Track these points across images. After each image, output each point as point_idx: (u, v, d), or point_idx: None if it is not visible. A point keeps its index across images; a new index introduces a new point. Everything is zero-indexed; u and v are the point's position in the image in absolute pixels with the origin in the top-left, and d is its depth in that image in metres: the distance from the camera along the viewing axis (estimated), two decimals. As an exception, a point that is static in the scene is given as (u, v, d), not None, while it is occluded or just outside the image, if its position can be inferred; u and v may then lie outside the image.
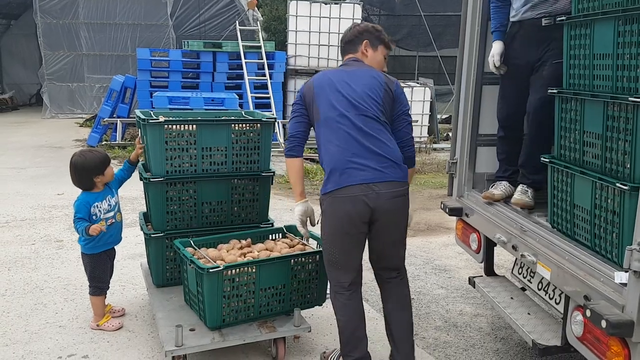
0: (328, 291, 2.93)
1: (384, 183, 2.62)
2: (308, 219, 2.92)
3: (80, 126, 11.78)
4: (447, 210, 3.53)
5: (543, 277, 2.84)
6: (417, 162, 3.64)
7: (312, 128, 2.84)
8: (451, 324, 3.55)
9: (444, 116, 12.55)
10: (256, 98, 9.73)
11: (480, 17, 3.39)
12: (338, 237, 2.67)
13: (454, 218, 3.65)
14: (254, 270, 2.93)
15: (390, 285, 2.84)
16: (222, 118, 3.54)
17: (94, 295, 3.33)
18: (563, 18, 2.64)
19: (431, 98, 10.35)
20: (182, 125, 3.24)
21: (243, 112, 3.83)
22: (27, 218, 5.57)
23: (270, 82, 9.77)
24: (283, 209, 6.19)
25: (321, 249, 2.91)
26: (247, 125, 3.39)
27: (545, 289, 2.86)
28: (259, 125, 3.42)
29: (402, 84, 10.94)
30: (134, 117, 10.25)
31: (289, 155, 2.84)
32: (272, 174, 3.51)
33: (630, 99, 2.12)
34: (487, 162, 3.60)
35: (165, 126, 3.19)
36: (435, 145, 10.18)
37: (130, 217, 5.32)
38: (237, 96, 9.10)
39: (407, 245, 2.88)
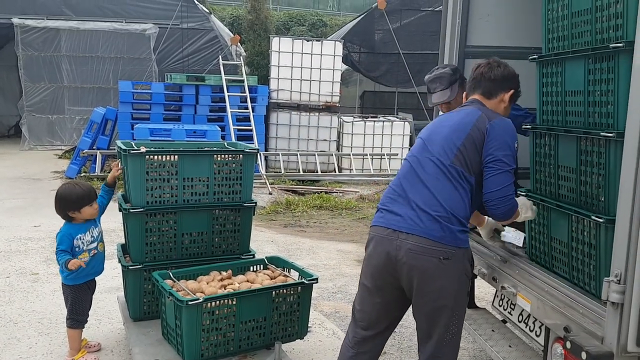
0: (310, 324, 2.87)
1: (412, 235, 2.27)
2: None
3: (59, 158, 11.66)
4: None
5: (523, 309, 2.86)
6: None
7: None
8: (433, 358, 3.52)
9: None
10: (239, 130, 9.77)
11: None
12: (362, 276, 2.49)
13: None
14: (234, 302, 2.89)
15: None
16: (205, 149, 3.56)
17: (72, 327, 3.25)
18: (535, 57, 2.73)
19: (411, 132, 10.51)
20: (164, 156, 3.24)
21: (225, 144, 3.86)
22: (2, 250, 5.45)
23: (253, 115, 9.83)
24: (264, 240, 6.16)
25: (303, 280, 2.89)
26: (230, 155, 3.41)
27: (526, 321, 2.87)
28: (241, 156, 3.43)
29: (382, 118, 11.18)
30: (114, 149, 10.16)
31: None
32: (254, 204, 3.51)
33: (601, 134, 2.19)
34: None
35: (147, 157, 3.19)
36: (415, 179, 10.29)
37: (108, 249, 5.19)
38: (219, 128, 9.13)
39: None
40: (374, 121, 10.49)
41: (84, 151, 9.47)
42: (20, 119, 13.17)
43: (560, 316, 2.34)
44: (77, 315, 3.23)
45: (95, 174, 9.19)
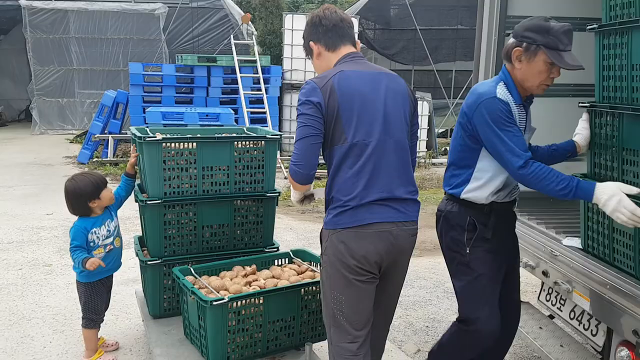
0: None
1: (409, 222, 2.25)
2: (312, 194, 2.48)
3: (71, 142, 11.50)
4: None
5: (576, 305, 2.62)
6: (417, 178, 3.43)
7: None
8: (471, 355, 3.30)
9: (440, 130, 12.39)
10: (252, 113, 9.51)
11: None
12: (350, 283, 2.19)
13: None
14: (261, 301, 2.68)
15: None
16: (224, 135, 3.31)
17: (87, 328, 3.05)
18: (594, 26, 2.44)
19: (429, 112, 10.20)
20: (182, 144, 3.01)
21: (245, 129, 3.61)
22: (14, 240, 5.29)
23: (266, 97, 9.56)
24: (283, 228, 5.95)
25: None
26: (251, 142, 3.17)
27: (579, 318, 2.63)
28: (263, 142, 3.19)
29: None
30: (126, 133, 9.99)
31: (304, 183, 2.29)
32: (277, 194, 3.28)
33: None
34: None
35: (164, 144, 2.95)
36: (434, 160, 10.00)
37: (124, 237, 5.04)
38: (232, 111, 8.88)
39: (415, 266, 2.62)
40: (391, 101, 10.16)
41: (96, 136, 9.29)
42: (31, 103, 13.00)
43: (628, 317, 2.10)
44: (92, 314, 3.04)
45: (108, 159, 9.02)
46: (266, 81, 9.84)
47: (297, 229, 6.02)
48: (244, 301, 2.63)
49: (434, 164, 9.91)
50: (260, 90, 9.66)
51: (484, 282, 2.40)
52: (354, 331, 2.24)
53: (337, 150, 2.20)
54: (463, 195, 2.41)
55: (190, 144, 3.02)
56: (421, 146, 10.09)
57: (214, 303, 2.52)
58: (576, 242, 2.61)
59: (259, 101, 9.74)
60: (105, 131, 9.40)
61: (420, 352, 3.31)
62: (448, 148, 10.72)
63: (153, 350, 2.84)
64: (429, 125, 10.22)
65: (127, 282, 4.21)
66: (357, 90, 2.19)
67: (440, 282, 4.50)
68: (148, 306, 3.21)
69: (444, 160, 10.06)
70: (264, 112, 9.47)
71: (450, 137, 12.16)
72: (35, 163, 9.30)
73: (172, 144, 2.98)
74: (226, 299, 2.55)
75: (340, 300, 2.21)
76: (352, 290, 2.20)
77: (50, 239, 5.35)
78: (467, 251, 2.39)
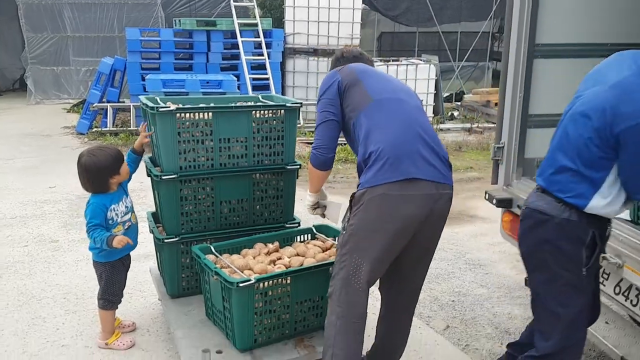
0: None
1: (445, 184, 2.22)
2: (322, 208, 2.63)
3: (68, 112, 11.20)
4: (494, 202, 3.14)
5: (622, 280, 2.48)
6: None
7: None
8: (502, 331, 3.19)
9: (445, 94, 12.12)
10: (253, 79, 9.22)
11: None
12: (381, 245, 2.16)
13: (478, 205, 3.28)
14: (288, 281, 2.53)
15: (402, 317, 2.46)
16: (239, 104, 3.11)
17: (105, 309, 2.91)
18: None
19: (436, 75, 9.91)
20: (197, 114, 2.80)
21: (260, 97, 3.40)
22: (17, 215, 5.11)
23: (269, 62, 9.25)
24: (297, 201, 5.77)
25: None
26: (270, 112, 2.96)
27: (626, 293, 2.49)
28: (282, 111, 2.99)
29: (405, 61, 10.54)
30: (124, 102, 9.73)
31: (323, 168, 2.42)
32: (297, 166, 3.10)
33: None
34: (538, 146, 3.21)
35: (178, 115, 2.76)
36: (441, 126, 9.78)
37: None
38: (234, 77, 8.61)
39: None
40: (397, 64, 9.86)
41: (94, 105, 9.01)
42: (25, 72, 12.64)
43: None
44: (111, 295, 2.89)
45: (107, 128, 8.77)
46: (268, 45, 9.50)
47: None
48: (271, 282, 2.48)
49: (441, 130, 9.69)
50: (262, 55, 9.35)
51: (586, 309, 2.15)
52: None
53: (363, 114, 2.25)
54: (592, 209, 2.00)
55: (205, 114, 2.82)
56: (428, 111, 9.86)
57: (241, 285, 2.37)
58: (625, 214, 2.46)
59: (261, 67, 9.43)
60: (104, 100, 9.12)
61: (450, 329, 3.19)
62: (454, 113, 10.41)
63: (174, 333, 2.71)
64: (435, 90, 9.95)
65: (139, 258, 4.05)
66: (374, 69, 2.46)
67: (460, 253, 4.37)
68: (166, 286, 3.06)
69: (451, 125, 9.87)
70: (267, 79, 9.16)
71: (455, 101, 11.98)
72: (33, 134, 9.04)
73: (187, 115, 2.79)
74: (253, 280, 2.40)
75: (360, 264, 2.17)
76: (379, 254, 2.16)
77: (54, 213, 5.18)
78: (584, 272, 2.04)
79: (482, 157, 7.72)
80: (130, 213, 2.88)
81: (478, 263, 4.18)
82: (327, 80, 2.37)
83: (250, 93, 8.48)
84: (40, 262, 4.08)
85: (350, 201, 2.24)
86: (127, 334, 3.05)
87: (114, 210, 2.77)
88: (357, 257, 2.17)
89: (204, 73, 9.33)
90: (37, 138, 8.72)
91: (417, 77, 9.71)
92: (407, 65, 9.80)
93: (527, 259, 2.21)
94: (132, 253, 3.01)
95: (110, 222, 2.76)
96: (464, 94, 11.78)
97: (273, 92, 8.87)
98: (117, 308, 2.96)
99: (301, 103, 3.16)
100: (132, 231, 2.89)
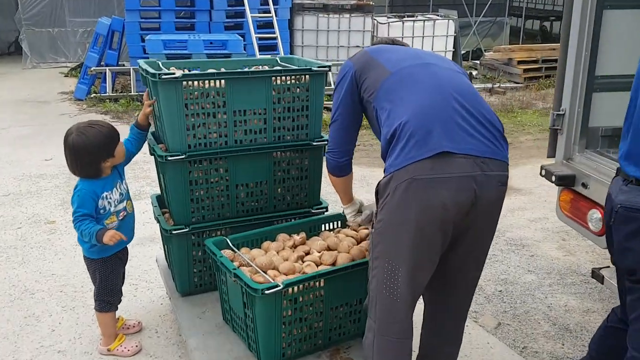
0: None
1: (495, 161, 1.73)
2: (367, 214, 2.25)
3: (65, 76, 10.66)
4: (553, 179, 2.71)
5: None
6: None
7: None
8: (562, 328, 2.79)
9: (462, 52, 11.49)
10: (260, 39, 8.64)
11: None
12: (415, 243, 1.71)
13: (510, 173, 2.81)
14: (322, 284, 2.11)
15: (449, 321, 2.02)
16: (254, 69, 2.63)
17: (103, 311, 2.52)
18: None
19: (455, 32, 9.30)
20: (207, 82, 2.33)
21: (278, 59, 2.91)
22: (10, 192, 4.70)
23: (276, 20, 8.65)
24: (324, 182, 5.33)
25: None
26: (293, 78, 2.49)
27: None
28: (307, 77, 2.52)
29: (421, 17, 9.89)
30: (124, 65, 9.18)
31: (339, 174, 2.12)
32: (325, 142, 2.64)
33: None
34: (605, 113, 2.75)
35: (184, 83, 2.29)
36: (460, 86, 9.24)
37: (132, 186, 4.46)
38: (240, 37, 8.04)
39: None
40: (413, 21, 9.24)
41: (92, 68, 8.50)
42: (19, 34, 12.04)
43: None
44: (108, 296, 2.49)
45: (107, 94, 8.27)
46: (275, 2, 8.89)
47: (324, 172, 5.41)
48: (301, 286, 2.06)
49: (459, 91, 9.16)
50: (268, 12, 8.74)
51: None
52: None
53: (382, 91, 1.85)
54: None
55: (217, 82, 2.35)
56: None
57: (266, 292, 1.96)
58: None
59: (268, 25, 8.83)
60: (102, 63, 8.60)
61: (501, 326, 2.79)
62: (474, 72, 9.77)
63: (187, 342, 2.31)
64: (454, 47, 9.35)
65: (143, 242, 3.66)
66: (394, 46, 2.12)
67: (499, 231, 3.94)
68: (175, 282, 2.66)
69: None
70: (275, 38, 8.58)
71: (472, 59, 11.32)
72: (29, 100, 8.55)
73: (195, 83, 2.32)
74: (280, 286, 1.98)
75: (395, 270, 1.74)
76: (414, 254, 1.72)
77: (51, 189, 4.76)
78: None
79: (508, 120, 7.22)
80: (125, 201, 2.45)
81: (520, 243, 3.76)
82: (340, 72, 2.05)
83: (258, 54, 7.92)
84: (34, 248, 3.68)
85: (376, 193, 1.79)
86: (132, 336, 2.66)
87: (106, 199, 2.34)
88: (390, 261, 1.74)
89: (207, 32, 8.75)
90: (34, 105, 8.24)
91: (435, 34, 9.11)
92: (423, 21, 9.18)
93: (637, 272, 1.73)
94: (135, 235, 2.60)
95: (101, 211, 2.33)
96: (482, 51, 11.14)
97: (282, 53, 8.30)
98: (116, 309, 2.56)
99: (329, 66, 2.68)
100: (127, 223, 2.47)
